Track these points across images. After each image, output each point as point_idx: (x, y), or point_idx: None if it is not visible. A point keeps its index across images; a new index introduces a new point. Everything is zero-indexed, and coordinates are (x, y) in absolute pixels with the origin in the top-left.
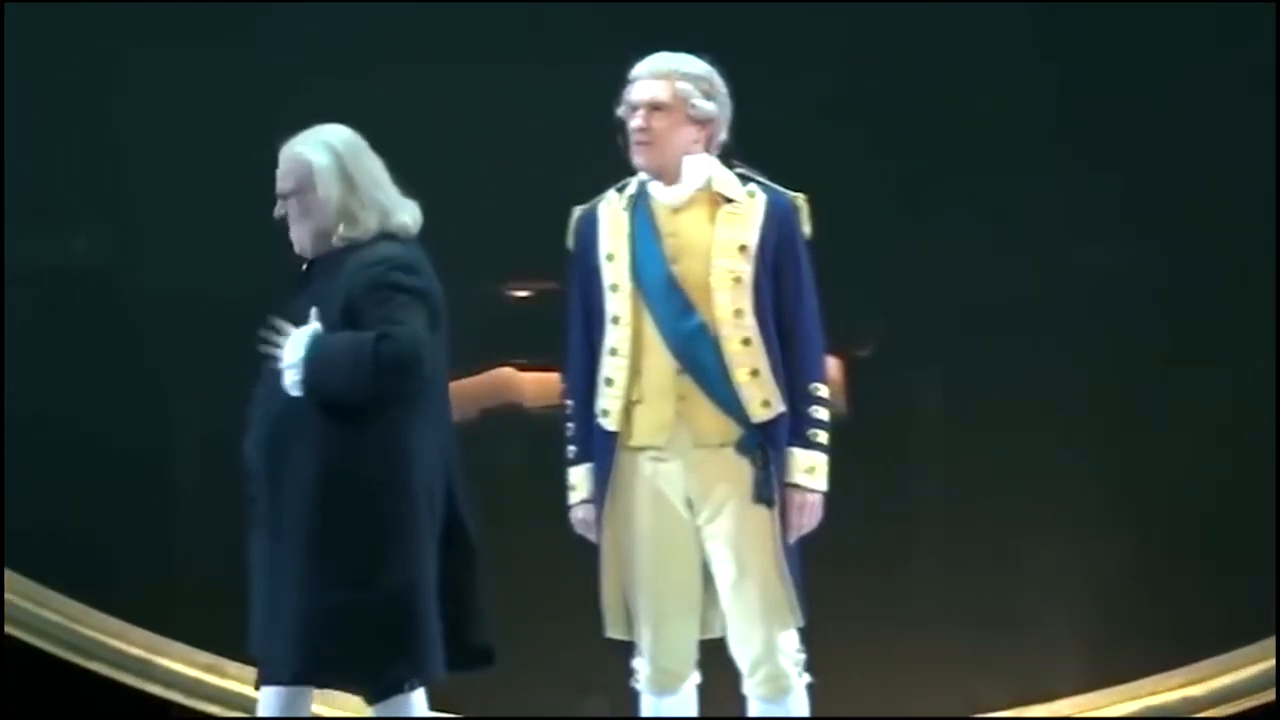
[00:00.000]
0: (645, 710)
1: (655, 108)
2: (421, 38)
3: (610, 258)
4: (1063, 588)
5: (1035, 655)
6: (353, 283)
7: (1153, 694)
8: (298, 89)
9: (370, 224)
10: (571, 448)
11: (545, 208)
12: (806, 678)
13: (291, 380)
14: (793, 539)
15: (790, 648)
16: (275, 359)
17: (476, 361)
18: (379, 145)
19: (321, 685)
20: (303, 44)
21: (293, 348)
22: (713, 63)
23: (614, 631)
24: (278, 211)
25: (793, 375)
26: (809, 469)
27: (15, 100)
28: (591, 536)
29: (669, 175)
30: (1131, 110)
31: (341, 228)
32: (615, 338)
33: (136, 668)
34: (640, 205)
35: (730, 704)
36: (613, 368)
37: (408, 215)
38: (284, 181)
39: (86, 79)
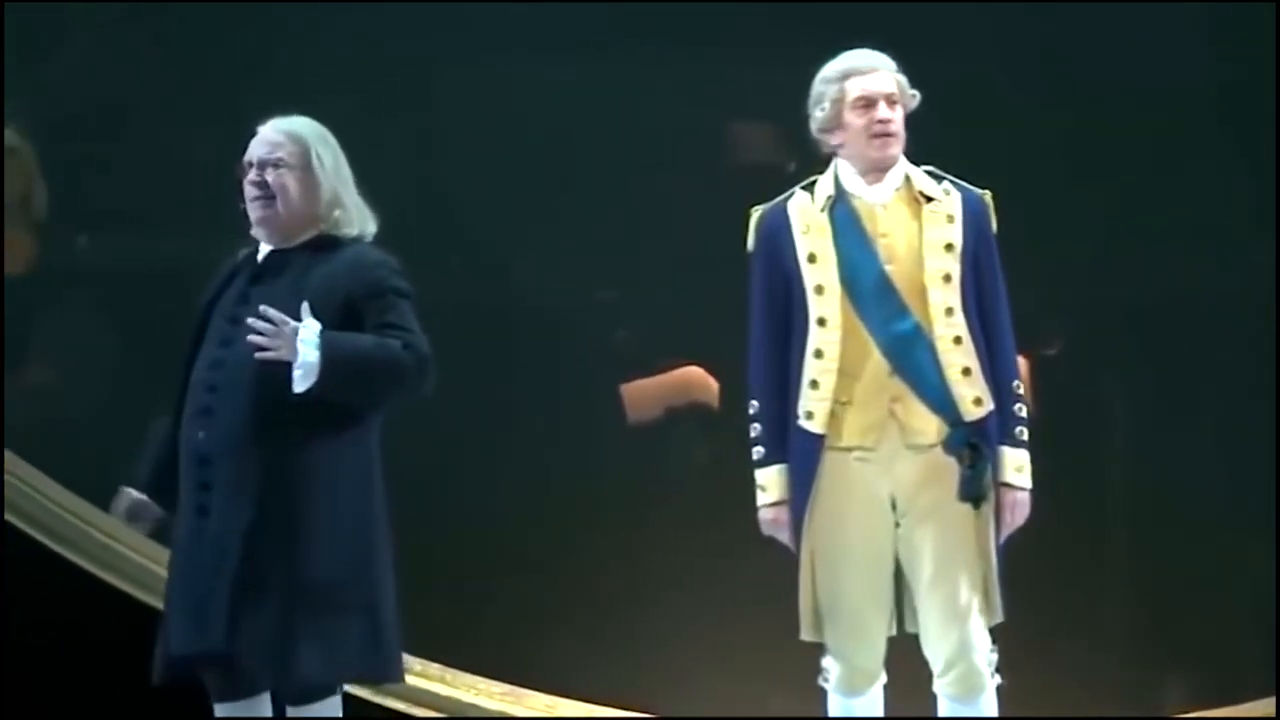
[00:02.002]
0: (834, 710)
1: (891, 100)
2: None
3: (812, 259)
4: (1250, 587)
5: (1221, 656)
6: (353, 282)
7: None
8: (470, 89)
9: (356, 221)
10: (759, 449)
11: (730, 204)
12: (998, 679)
13: (302, 376)
14: (1004, 537)
15: (984, 647)
16: (267, 350)
17: (663, 360)
18: (568, 144)
19: (296, 696)
20: (482, 44)
21: (304, 345)
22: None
23: (811, 634)
24: (252, 177)
25: (995, 373)
26: (1018, 467)
27: (212, 103)
28: (781, 537)
29: (881, 173)
30: None
31: (336, 214)
32: (821, 340)
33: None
34: (839, 205)
35: (906, 704)
36: (818, 370)
37: (374, 225)
38: (275, 150)
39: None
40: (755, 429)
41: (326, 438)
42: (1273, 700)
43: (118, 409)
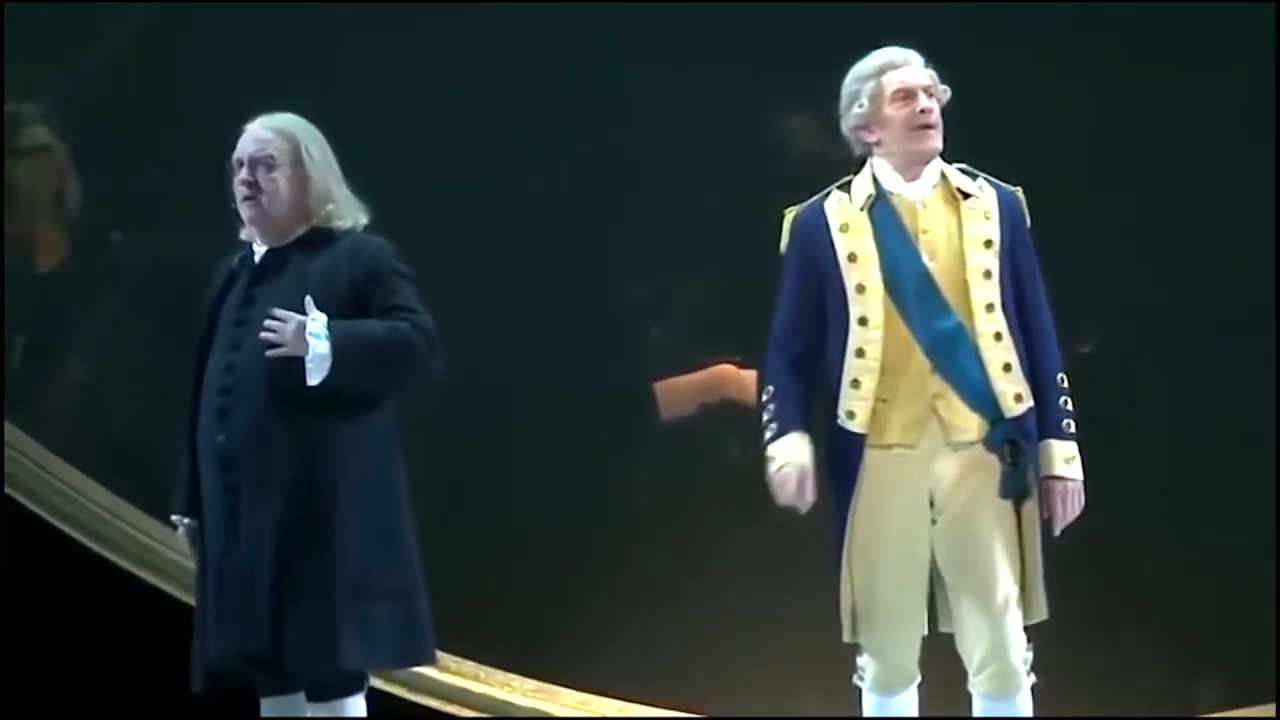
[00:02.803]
0: (869, 709)
1: (929, 92)
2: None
3: (853, 258)
4: None
5: (1256, 656)
6: (354, 268)
7: None
8: (515, 81)
9: (349, 214)
10: (772, 426)
11: (766, 203)
12: (1033, 678)
13: (315, 369)
14: (1060, 529)
15: (1021, 644)
16: (277, 348)
17: (695, 358)
18: (597, 139)
19: (324, 690)
20: (514, 38)
21: (312, 338)
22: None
23: (852, 637)
24: (243, 176)
25: (1037, 367)
26: (1068, 458)
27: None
28: (794, 499)
29: (920, 170)
30: None
31: (329, 208)
32: (863, 339)
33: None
34: (879, 204)
35: (941, 704)
36: (860, 369)
37: (365, 216)
38: (264, 148)
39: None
40: (769, 410)
41: (346, 427)
42: (1273, 705)
43: (151, 404)
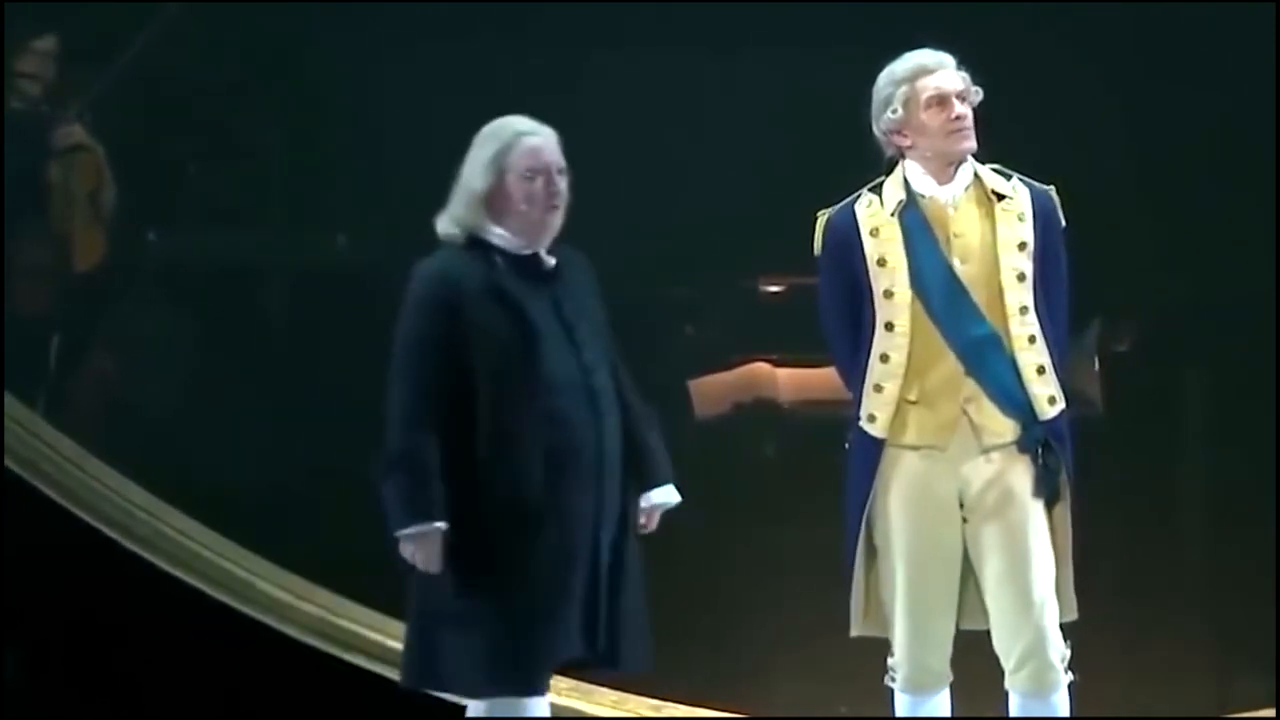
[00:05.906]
0: (901, 709)
1: (962, 97)
2: (676, 27)
3: (882, 263)
4: None
5: None
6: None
7: None
8: (549, 81)
9: None
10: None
11: (799, 202)
12: (1070, 676)
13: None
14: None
15: (1058, 642)
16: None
17: (730, 356)
18: (630, 138)
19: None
20: (557, 37)
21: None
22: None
23: (860, 630)
24: (560, 185)
25: None
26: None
27: (280, 99)
28: None
29: (952, 172)
30: None
31: None
32: (889, 344)
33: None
34: (910, 208)
35: (974, 704)
36: (883, 374)
37: None
38: (561, 158)
39: (349, 77)
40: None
41: None
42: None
43: (188, 404)
